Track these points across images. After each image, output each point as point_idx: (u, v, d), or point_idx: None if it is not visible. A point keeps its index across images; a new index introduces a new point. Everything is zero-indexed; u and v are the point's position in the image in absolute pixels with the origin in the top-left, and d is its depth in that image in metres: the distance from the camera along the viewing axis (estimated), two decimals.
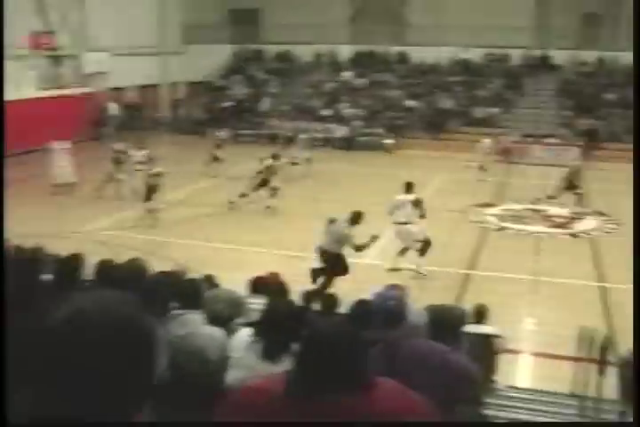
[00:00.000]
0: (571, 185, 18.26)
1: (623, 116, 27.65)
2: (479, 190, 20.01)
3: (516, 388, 8.48)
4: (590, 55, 30.63)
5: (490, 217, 17.09)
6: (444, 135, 28.10)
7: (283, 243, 14.32)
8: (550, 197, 18.36)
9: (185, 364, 2.87)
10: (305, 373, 2.29)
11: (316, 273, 11.23)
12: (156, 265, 6.51)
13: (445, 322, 4.03)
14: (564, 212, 17.91)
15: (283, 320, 3.67)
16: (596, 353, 7.08)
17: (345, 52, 33.35)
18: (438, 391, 3.25)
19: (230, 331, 3.83)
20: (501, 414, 6.13)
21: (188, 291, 4.78)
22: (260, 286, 7.24)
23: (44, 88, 25.89)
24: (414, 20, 32.66)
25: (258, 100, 31.81)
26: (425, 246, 12.78)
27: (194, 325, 3.98)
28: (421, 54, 31.99)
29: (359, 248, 10.99)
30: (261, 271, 8.02)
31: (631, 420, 2.77)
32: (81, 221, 15.88)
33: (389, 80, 31.77)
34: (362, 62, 32.99)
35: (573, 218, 17.59)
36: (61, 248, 8.04)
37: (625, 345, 9.43)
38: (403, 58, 33.09)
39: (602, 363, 6.54)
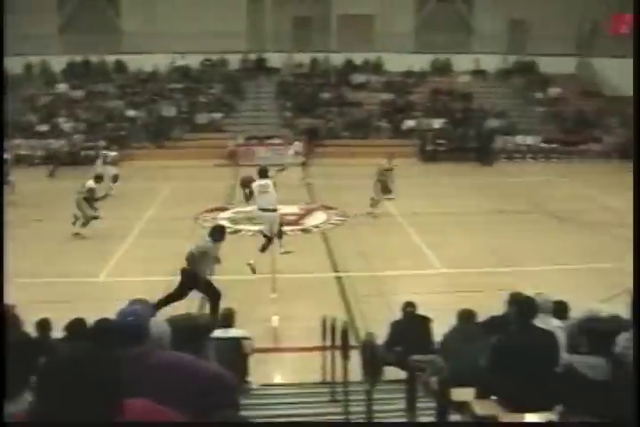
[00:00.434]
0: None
1: (339, 114, 29.40)
2: (210, 196, 20.12)
3: (270, 385, 8.65)
4: (304, 57, 32.02)
5: (222, 221, 17.24)
6: (169, 143, 27.88)
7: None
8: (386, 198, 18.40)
9: None
10: (46, 403, 2.11)
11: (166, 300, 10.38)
12: None
13: (189, 331, 3.96)
14: (295, 208, 18.58)
15: (16, 354, 3.36)
16: (339, 340, 7.40)
17: (57, 63, 31.74)
18: (193, 401, 3.17)
19: None
20: (259, 413, 6.18)
21: None
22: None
23: None
24: (128, 28, 32.02)
25: None
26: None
27: None
28: (139, 63, 31.44)
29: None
30: None
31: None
32: None
33: (108, 90, 30.82)
34: (77, 73, 31.66)
35: (304, 214, 18.32)
36: None
37: (364, 329, 10.06)
38: (120, 67, 32.27)
39: (344, 348, 6.85)
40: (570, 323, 6.57)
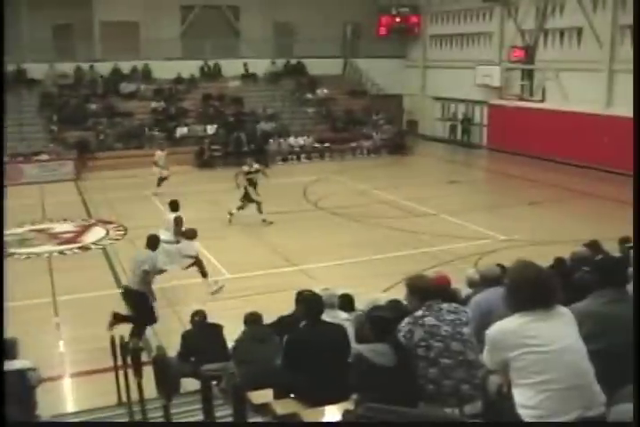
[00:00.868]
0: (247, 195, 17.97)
1: (110, 125, 28.46)
2: None
3: (62, 415, 8.16)
4: (68, 67, 30.52)
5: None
6: None
7: None
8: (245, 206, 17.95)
9: None
10: None
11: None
12: None
13: None
14: (70, 226, 17.76)
15: None
16: (130, 357, 7.15)
17: None
18: None
19: None
20: None
21: None
22: None
23: None
24: None
25: None
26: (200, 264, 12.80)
27: None
28: None
29: None
30: None
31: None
32: None
33: None
34: None
35: (81, 231, 17.53)
36: None
37: (156, 343, 9.80)
38: None
39: (136, 365, 6.62)
40: (356, 314, 6.81)
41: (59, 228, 17.72)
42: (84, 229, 17.76)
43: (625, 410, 3.52)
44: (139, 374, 6.61)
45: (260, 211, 17.78)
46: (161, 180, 21.20)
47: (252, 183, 17.99)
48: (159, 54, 31.18)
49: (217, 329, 8.29)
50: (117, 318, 10.43)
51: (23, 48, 29.97)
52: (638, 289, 2.40)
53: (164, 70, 31.36)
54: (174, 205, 13.80)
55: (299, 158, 28.73)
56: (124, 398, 7.76)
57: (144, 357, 8.06)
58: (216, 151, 27.67)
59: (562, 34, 26.87)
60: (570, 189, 21.55)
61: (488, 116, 30.94)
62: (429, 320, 4.67)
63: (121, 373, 7.90)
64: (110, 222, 18.18)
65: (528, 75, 28.55)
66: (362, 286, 11.58)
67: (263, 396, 5.53)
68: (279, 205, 19.35)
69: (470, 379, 4.56)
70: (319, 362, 5.33)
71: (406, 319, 4.72)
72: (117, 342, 8.05)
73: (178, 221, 13.27)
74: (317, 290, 6.45)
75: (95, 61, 30.80)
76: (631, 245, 9.38)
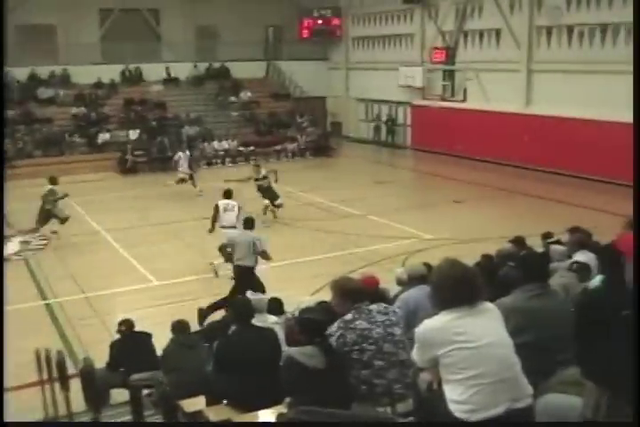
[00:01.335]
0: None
1: (28, 132, 27.70)
2: None
3: None
4: None
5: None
6: None
7: None
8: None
9: None
10: None
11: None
12: None
13: None
14: None
15: None
16: (56, 370, 6.95)
17: None
18: None
19: None
20: None
21: None
22: None
23: None
24: None
25: None
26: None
27: None
28: None
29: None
30: None
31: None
32: None
33: None
34: None
35: None
36: None
37: (83, 353, 9.57)
38: None
39: (63, 379, 6.44)
40: (286, 317, 6.79)
41: None
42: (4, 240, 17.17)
43: (550, 400, 3.60)
44: (65, 387, 6.43)
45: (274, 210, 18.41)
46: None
47: (262, 189, 18.30)
48: (78, 59, 30.49)
49: (145, 338, 8.14)
50: (210, 308, 10.66)
51: None
52: (638, 288, 2.46)
53: (84, 75, 30.68)
54: (229, 194, 14.52)
55: (223, 162, 28.50)
56: (52, 413, 7.53)
57: (71, 369, 7.86)
58: (139, 157, 27.25)
59: (481, 35, 27.44)
60: (493, 186, 22.02)
61: (411, 116, 31.33)
62: (360, 324, 4.67)
63: (47, 387, 7.66)
64: (32, 232, 17.65)
65: (449, 75, 29.06)
66: (291, 289, 11.57)
67: (195, 404, 5.46)
68: (206, 209, 19.14)
69: (402, 378, 4.59)
70: (251, 367, 5.29)
71: (337, 323, 4.71)
72: (42, 354, 7.81)
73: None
74: (247, 294, 6.41)
75: (11, 66, 29.87)
76: (553, 240, 9.63)
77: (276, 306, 7.42)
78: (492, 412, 3.50)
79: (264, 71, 34.89)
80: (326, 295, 6.65)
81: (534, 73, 24.87)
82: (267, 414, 4.68)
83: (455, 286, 3.68)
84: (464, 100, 28.13)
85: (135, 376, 6.92)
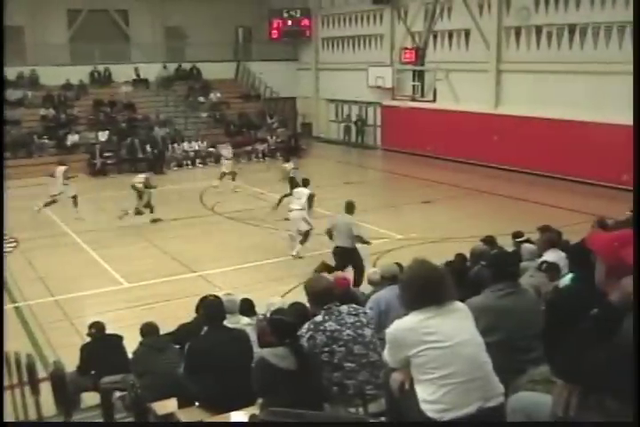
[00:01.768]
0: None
1: None
2: None
3: None
4: None
5: None
6: None
7: None
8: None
9: None
10: None
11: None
12: None
13: None
14: None
15: None
16: (26, 374, 6.87)
17: None
18: None
19: None
20: None
21: None
22: None
23: None
24: None
25: None
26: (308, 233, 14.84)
27: None
28: None
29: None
30: None
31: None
32: None
33: None
34: None
35: None
36: None
37: (53, 356, 9.47)
38: None
39: (32, 383, 6.36)
40: (257, 319, 6.78)
41: None
42: None
43: (521, 399, 3.62)
44: (35, 391, 6.35)
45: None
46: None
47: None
48: (47, 60, 30.15)
49: (116, 340, 8.06)
50: (325, 266, 12.33)
51: None
52: (638, 286, 2.49)
53: (53, 76, 30.29)
54: (307, 182, 16.26)
55: (193, 163, 28.35)
56: (22, 418, 7.44)
57: (41, 372, 7.77)
58: (109, 158, 27.01)
59: (450, 36, 27.60)
60: (462, 186, 22.15)
61: (381, 117, 31.43)
62: (330, 326, 4.67)
63: (17, 391, 7.57)
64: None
65: (419, 76, 29.16)
66: (262, 290, 11.56)
67: (167, 406, 5.43)
68: (176, 211, 19.08)
69: (374, 379, 4.60)
70: (222, 368, 5.27)
71: (306, 325, 4.71)
72: (12, 358, 7.71)
73: (311, 197, 15.76)
74: (219, 295, 6.38)
75: None
76: (523, 239, 9.72)
77: (247, 307, 7.41)
78: (463, 411, 3.52)
79: (234, 72, 34.78)
80: (297, 296, 6.67)
81: (503, 73, 25.08)
82: (239, 416, 4.67)
83: (424, 286, 3.69)
84: (434, 100, 28.25)
85: (106, 379, 6.86)
